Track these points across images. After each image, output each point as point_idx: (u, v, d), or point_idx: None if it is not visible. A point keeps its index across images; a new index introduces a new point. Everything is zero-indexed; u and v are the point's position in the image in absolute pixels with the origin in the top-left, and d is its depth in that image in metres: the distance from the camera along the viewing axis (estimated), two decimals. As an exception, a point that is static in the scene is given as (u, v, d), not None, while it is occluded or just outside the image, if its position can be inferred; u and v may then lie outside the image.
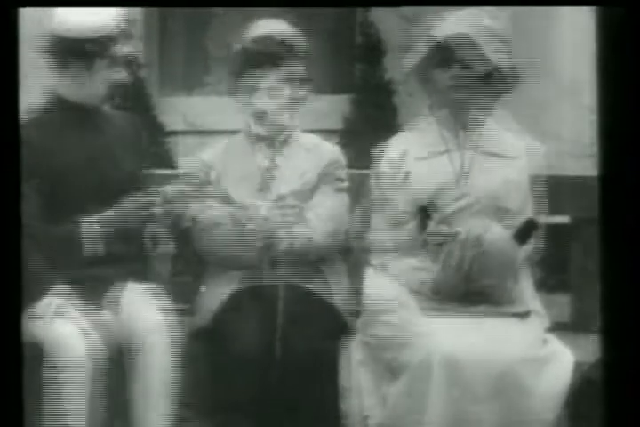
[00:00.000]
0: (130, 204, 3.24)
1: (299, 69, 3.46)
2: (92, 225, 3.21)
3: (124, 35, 3.27)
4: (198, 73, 5.69)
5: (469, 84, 3.18)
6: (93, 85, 3.27)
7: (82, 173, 3.27)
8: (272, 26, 3.51)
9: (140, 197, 3.25)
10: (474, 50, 3.14)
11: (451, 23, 3.15)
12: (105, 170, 3.29)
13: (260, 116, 3.47)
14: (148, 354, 3.10)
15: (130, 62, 3.37)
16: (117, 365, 3.13)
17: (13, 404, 2.13)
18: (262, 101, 3.46)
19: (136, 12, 5.10)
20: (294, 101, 3.50)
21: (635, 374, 2.10)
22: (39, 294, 3.14)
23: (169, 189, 3.31)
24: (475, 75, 3.17)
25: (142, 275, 3.33)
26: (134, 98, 5.16)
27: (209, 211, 3.44)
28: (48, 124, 3.28)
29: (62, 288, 3.17)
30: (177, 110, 5.47)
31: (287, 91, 3.47)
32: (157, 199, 3.24)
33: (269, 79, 3.45)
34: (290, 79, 3.46)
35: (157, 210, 3.26)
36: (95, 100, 3.32)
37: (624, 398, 2.14)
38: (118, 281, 3.28)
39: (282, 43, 3.46)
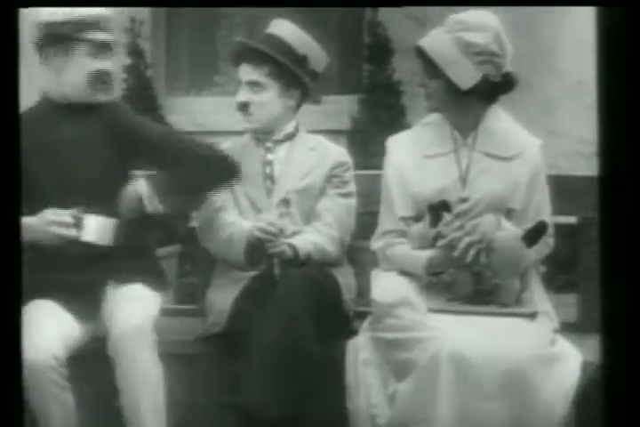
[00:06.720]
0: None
1: (291, 69, 3.47)
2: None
3: (101, 20, 3.21)
4: (207, 73, 5.70)
5: (436, 93, 3.24)
6: (73, 75, 3.23)
7: (54, 168, 3.23)
8: (282, 28, 3.52)
9: None
10: (430, 63, 3.19)
11: (426, 35, 3.21)
12: (78, 165, 3.25)
13: (244, 109, 3.49)
14: (127, 356, 3.07)
15: (112, 49, 3.30)
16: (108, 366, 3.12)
17: (13, 405, 2.13)
18: (244, 94, 3.48)
19: (143, 13, 5.13)
20: (285, 99, 3.51)
21: (635, 375, 2.09)
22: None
23: None
24: (442, 86, 3.21)
25: (146, 276, 3.33)
26: (142, 98, 5.17)
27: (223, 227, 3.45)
28: (27, 122, 3.26)
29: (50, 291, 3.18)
30: (186, 110, 5.47)
31: (274, 87, 3.48)
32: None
33: (254, 74, 3.47)
34: (278, 77, 3.47)
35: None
36: (76, 92, 3.27)
37: (625, 398, 2.13)
38: (114, 282, 3.29)
39: (282, 43, 3.46)
